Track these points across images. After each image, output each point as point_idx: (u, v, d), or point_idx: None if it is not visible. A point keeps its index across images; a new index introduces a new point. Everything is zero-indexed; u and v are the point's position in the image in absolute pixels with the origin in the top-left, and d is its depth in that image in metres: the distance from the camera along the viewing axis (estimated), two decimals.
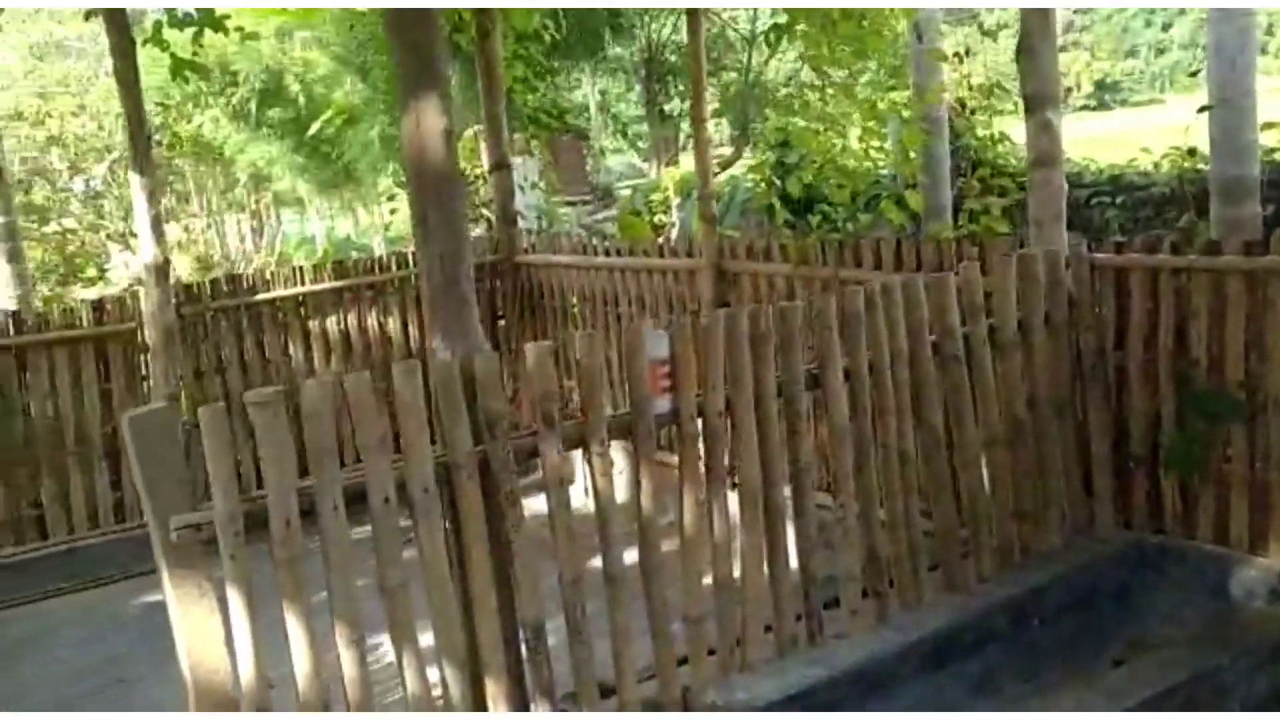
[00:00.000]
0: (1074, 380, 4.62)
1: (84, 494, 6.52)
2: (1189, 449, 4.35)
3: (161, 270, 6.11)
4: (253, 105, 16.82)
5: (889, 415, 4.10)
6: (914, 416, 4.18)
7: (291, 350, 7.25)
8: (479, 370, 3.33)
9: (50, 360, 6.47)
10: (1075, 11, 47.91)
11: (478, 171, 12.56)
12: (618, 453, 3.67)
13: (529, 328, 8.02)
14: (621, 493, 3.68)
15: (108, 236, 16.38)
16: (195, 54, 6.89)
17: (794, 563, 3.95)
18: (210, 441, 2.89)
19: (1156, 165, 10.98)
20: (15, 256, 8.49)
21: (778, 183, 9.31)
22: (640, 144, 30.00)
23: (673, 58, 22.20)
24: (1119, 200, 10.83)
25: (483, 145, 8.86)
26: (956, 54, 7.12)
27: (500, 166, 8.09)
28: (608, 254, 7.38)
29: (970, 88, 10.70)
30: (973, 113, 10.91)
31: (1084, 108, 45.22)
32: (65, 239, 15.55)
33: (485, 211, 11.63)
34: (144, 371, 6.68)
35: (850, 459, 4.04)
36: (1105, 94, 49.18)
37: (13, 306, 7.84)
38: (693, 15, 6.48)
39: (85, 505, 6.52)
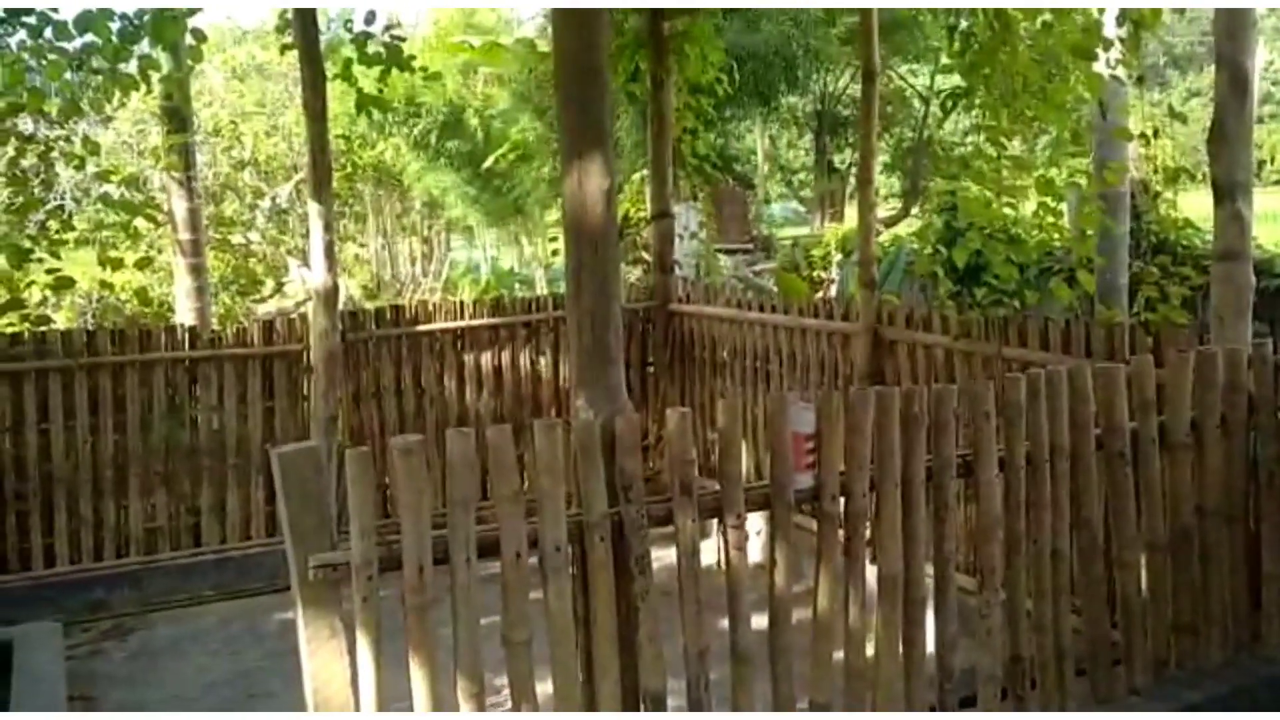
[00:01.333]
0: (1248, 488, 4.34)
1: (239, 505, 6.76)
2: None
3: (330, 296, 6.30)
4: (433, 136, 17.46)
5: (1044, 510, 3.90)
6: (1071, 514, 3.98)
7: (446, 381, 7.40)
8: (619, 432, 3.30)
9: (220, 375, 6.74)
10: (1274, 83, 45.76)
11: (641, 214, 12.70)
12: (756, 516, 3.59)
13: (677, 376, 8.00)
14: (755, 554, 3.59)
15: (288, 252, 17.09)
16: (381, 90, 7.14)
17: (930, 649, 3.79)
18: (353, 485, 2.94)
19: None
20: (198, 271, 8.94)
21: (942, 250, 9.09)
22: (805, 192, 29.91)
23: (845, 111, 22.10)
24: None
25: (647, 190, 8.93)
26: (1143, 135, 6.78)
27: (663, 215, 8.14)
28: (761, 309, 7.31)
29: (1156, 169, 10.27)
30: (1156, 195, 10.46)
31: (1277, 182, 43.05)
32: (248, 251, 16.27)
33: (645, 254, 11.73)
34: (305, 392, 6.90)
35: (999, 553, 3.85)
36: None
37: (191, 319, 8.22)
38: (868, 77, 6.41)
39: (239, 516, 6.76)
